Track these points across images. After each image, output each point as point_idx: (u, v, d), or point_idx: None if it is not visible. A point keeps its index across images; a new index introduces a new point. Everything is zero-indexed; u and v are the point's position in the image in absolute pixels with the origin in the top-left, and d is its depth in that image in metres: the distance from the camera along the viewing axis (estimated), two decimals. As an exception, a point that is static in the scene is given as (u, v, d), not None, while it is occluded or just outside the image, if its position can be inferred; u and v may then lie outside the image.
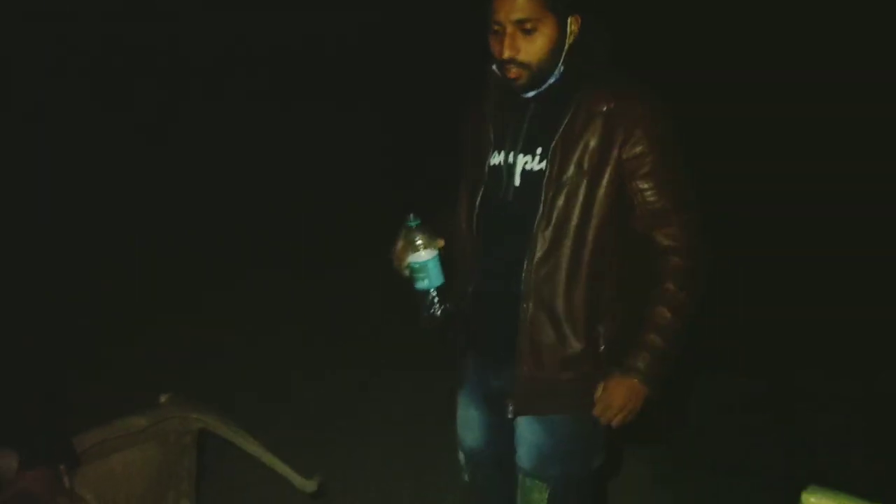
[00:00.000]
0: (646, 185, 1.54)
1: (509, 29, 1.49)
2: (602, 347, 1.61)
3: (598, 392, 1.59)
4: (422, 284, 1.54)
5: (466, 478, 1.84)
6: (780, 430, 3.08)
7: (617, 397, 1.57)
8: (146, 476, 1.82)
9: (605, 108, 1.52)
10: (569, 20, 1.53)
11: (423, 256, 1.52)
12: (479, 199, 1.65)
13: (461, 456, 1.84)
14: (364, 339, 3.86)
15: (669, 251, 1.56)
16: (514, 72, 1.52)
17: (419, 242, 1.53)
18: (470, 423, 1.80)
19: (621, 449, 2.65)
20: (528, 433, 1.66)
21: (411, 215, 1.56)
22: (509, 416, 1.65)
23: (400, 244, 1.58)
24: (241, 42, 7.38)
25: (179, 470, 1.86)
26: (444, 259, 1.58)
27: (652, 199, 1.54)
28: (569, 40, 1.55)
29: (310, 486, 1.82)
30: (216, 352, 3.64)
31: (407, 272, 1.58)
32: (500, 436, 1.72)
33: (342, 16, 7.72)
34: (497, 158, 1.63)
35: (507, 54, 1.50)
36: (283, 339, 3.87)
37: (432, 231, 1.57)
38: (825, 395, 3.31)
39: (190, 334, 3.78)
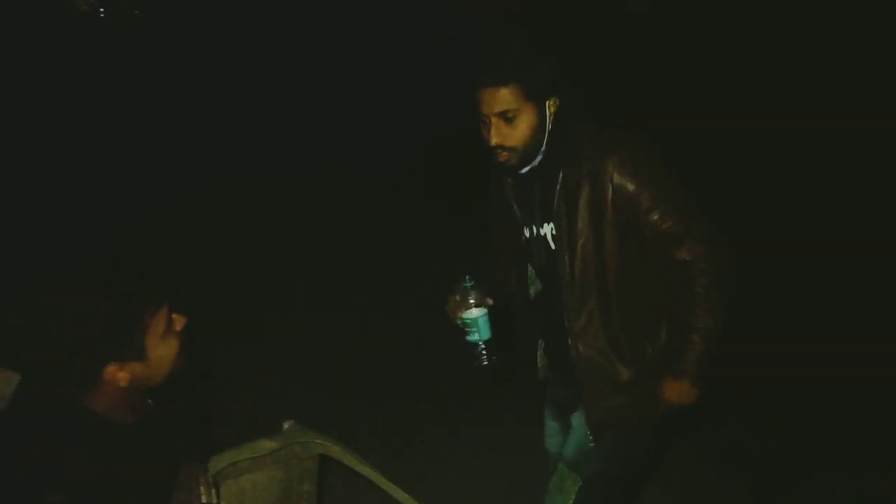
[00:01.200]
0: (653, 218, 1.69)
1: (493, 120, 1.67)
2: (651, 364, 1.82)
3: (660, 394, 1.83)
4: (473, 337, 1.73)
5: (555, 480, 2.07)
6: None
7: (673, 398, 1.82)
8: (271, 496, 1.95)
9: (585, 169, 1.70)
10: (547, 103, 1.69)
11: (475, 314, 1.71)
12: (524, 270, 1.91)
13: (550, 462, 2.09)
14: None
15: (692, 263, 1.72)
16: (503, 156, 1.71)
17: (472, 301, 1.72)
18: (551, 433, 2.10)
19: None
20: (578, 433, 1.91)
21: (467, 276, 1.74)
22: (590, 442, 1.86)
23: (455, 299, 1.75)
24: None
25: (301, 491, 1.99)
26: (496, 316, 1.77)
27: (663, 226, 1.70)
28: (550, 120, 1.71)
29: (423, 511, 1.91)
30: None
31: (460, 324, 1.75)
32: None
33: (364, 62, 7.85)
34: (528, 232, 1.86)
35: (494, 142, 1.69)
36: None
37: (484, 291, 1.74)
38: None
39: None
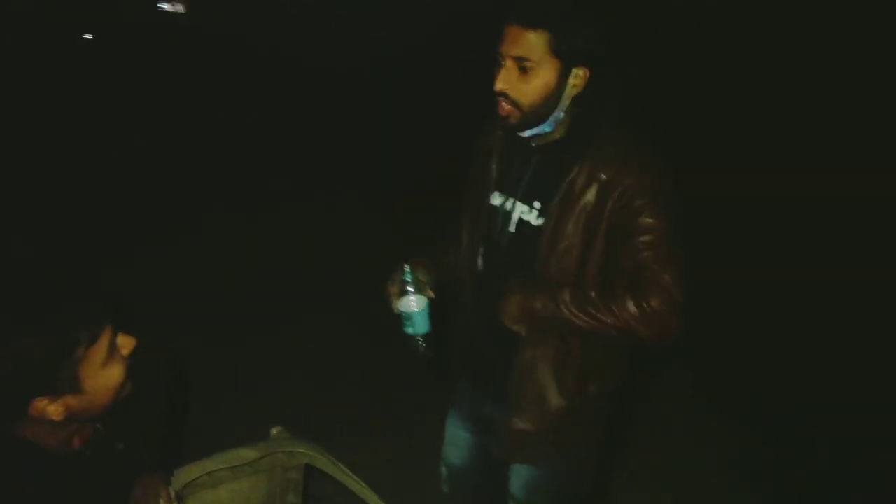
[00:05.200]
0: (637, 241, 1.49)
1: (507, 63, 1.47)
2: (591, 404, 1.65)
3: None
4: (408, 330, 1.63)
5: (446, 489, 1.96)
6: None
7: (509, 306, 1.57)
8: (252, 508, 1.81)
9: (604, 176, 1.49)
10: (573, 70, 1.48)
11: (412, 307, 1.60)
12: (477, 237, 1.69)
13: (443, 470, 1.94)
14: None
15: (646, 301, 1.49)
16: (504, 108, 1.50)
17: (410, 293, 1.60)
18: (457, 443, 1.89)
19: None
20: (522, 469, 1.75)
21: (407, 267, 1.62)
22: (494, 455, 1.74)
23: (393, 288, 1.63)
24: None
25: (285, 503, 1.86)
26: (442, 298, 1.68)
27: (642, 254, 1.49)
28: (570, 91, 1.50)
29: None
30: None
31: (397, 314, 1.64)
32: (484, 457, 1.81)
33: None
34: (497, 199, 1.64)
35: (498, 86, 1.49)
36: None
37: (424, 282, 1.63)
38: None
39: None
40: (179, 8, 13.51)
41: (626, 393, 1.73)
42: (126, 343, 1.28)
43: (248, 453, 1.79)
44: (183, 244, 5.22)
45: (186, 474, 1.67)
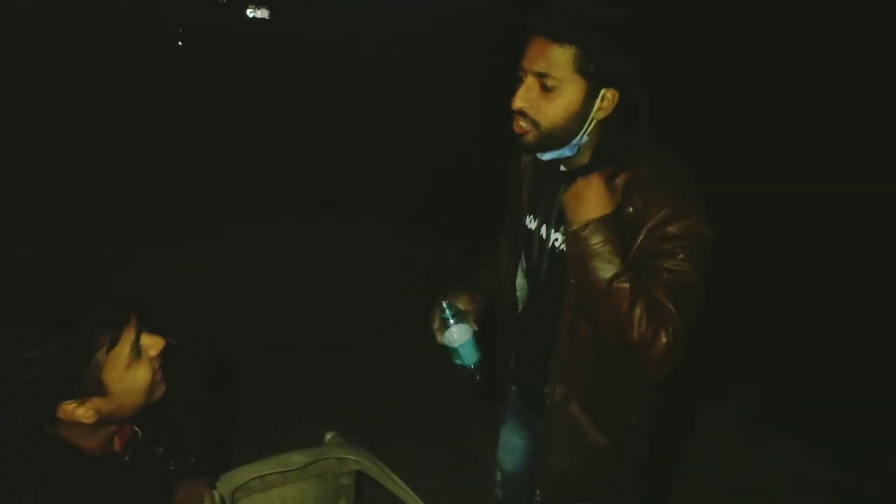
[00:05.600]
0: (664, 293, 1.36)
1: (528, 78, 1.34)
2: (634, 437, 1.59)
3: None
4: (457, 362, 1.59)
5: (500, 494, 1.95)
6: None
7: (578, 194, 1.36)
8: (304, 513, 1.84)
9: (630, 210, 1.36)
10: (602, 92, 1.34)
11: (456, 341, 1.56)
12: (515, 258, 1.63)
13: (498, 475, 1.94)
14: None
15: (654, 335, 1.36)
16: (520, 126, 1.37)
17: (452, 327, 1.55)
18: (511, 450, 1.88)
19: None
20: None
21: (445, 304, 1.56)
22: (537, 500, 1.67)
23: (435, 324, 1.57)
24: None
25: (336, 509, 1.88)
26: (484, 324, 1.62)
27: (665, 304, 1.36)
28: (597, 115, 1.35)
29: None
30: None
31: (443, 348, 1.59)
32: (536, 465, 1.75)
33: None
34: (532, 223, 1.56)
35: (517, 104, 1.35)
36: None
37: (465, 312, 1.58)
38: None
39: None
40: (265, 14, 13.50)
41: (665, 423, 1.69)
42: (154, 343, 1.23)
43: (298, 458, 1.77)
44: (183, 244, 5.19)
45: (238, 477, 1.64)
